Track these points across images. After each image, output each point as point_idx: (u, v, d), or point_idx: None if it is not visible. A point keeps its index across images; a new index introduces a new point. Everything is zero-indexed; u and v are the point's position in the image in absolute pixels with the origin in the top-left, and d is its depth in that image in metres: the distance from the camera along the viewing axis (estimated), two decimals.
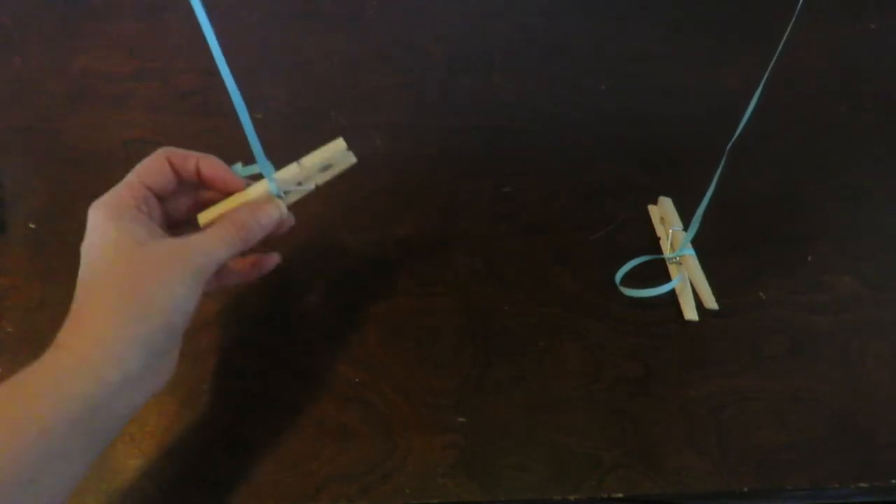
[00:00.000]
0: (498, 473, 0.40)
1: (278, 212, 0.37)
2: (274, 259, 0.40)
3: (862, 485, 0.40)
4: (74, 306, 0.32)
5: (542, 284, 0.47)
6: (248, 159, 0.55)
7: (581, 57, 0.62)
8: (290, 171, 0.38)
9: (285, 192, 0.38)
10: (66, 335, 0.31)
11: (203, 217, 0.37)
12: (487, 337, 0.45)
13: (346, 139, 0.37)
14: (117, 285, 0.31)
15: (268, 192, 0.37)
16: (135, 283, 0.31)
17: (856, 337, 0.46)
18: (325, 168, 0.39)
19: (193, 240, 0.33)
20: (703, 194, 0.43)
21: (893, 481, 0.40)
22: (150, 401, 0.33)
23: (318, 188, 0.39)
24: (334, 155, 0.38)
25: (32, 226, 0.49)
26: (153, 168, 0.35)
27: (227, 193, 0.37)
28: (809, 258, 0.49)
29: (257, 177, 0.38)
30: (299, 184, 0.38)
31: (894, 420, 0.42)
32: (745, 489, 0.40)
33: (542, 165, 0.54)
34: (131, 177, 0.35)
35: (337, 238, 0.45)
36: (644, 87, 0.60)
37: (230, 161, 0.38)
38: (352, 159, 0.39)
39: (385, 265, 0.48)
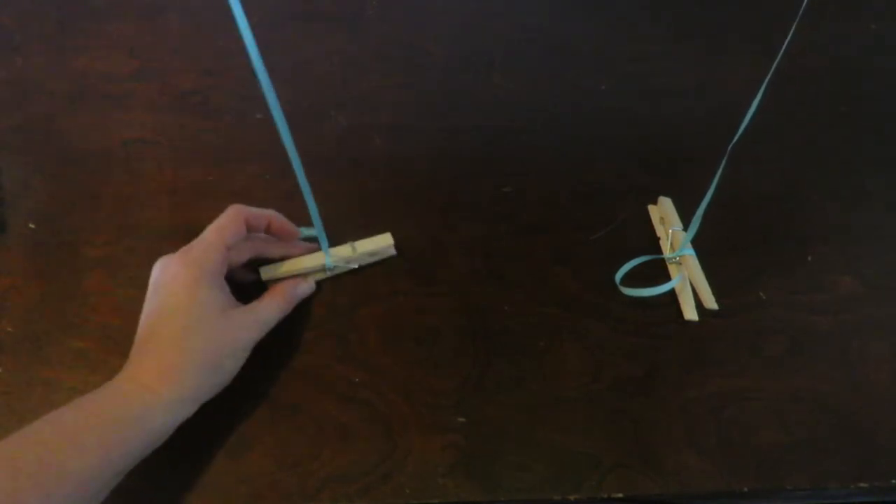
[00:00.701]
0: (498, 473, 0.40)
1: (310, 287, 0.45)
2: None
3: (862, 485, 0.40)
4: (152, 346, 0.37)
5: (542, 284, 0.47)
6: (251, 160, 0.55)
7: (581, 57, 0.62)
8: (344, 250, 0.46)
9: (333, 266, 0.45)
10: (151, 378, 0.36)
11: (265, 273, 0.44)
12: (487, 337, 0.45)
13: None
14: (202, 349, 0.37)
15: (322, 263, 0.45)
16: (216, 349, 0.38)
17: (856, 337, 0.46)
18: (370, 254, 0.46)
19: (256, 310, 0.41)
20: (703, 194, 0.43)
21: (893, 481, 0.40)
22: None
23: (359, 267, 0.47)
24: (382, 247, 0.46)
25: (32, 226, 0.49)
26: (235, 230, 0.41)
27: (288, 242, 0.45)
28: (809, 258, 0.49)
29: (314, 238, 0.45)
30: (346, 262, 0.46)
31: (894, 420, 0.42)
32: (745, 489, 0.40)
33: (542, 165, 0.54)
34: (218, 240, 0.40)
35: (338, 238, 0.45)
36: (644, 87, 0.60)
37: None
38: (392, 252, 0.47)
39: (385, 265, 0.48)
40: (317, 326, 0.45)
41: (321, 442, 0.40)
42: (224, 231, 0.41)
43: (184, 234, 0.42)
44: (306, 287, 0.45)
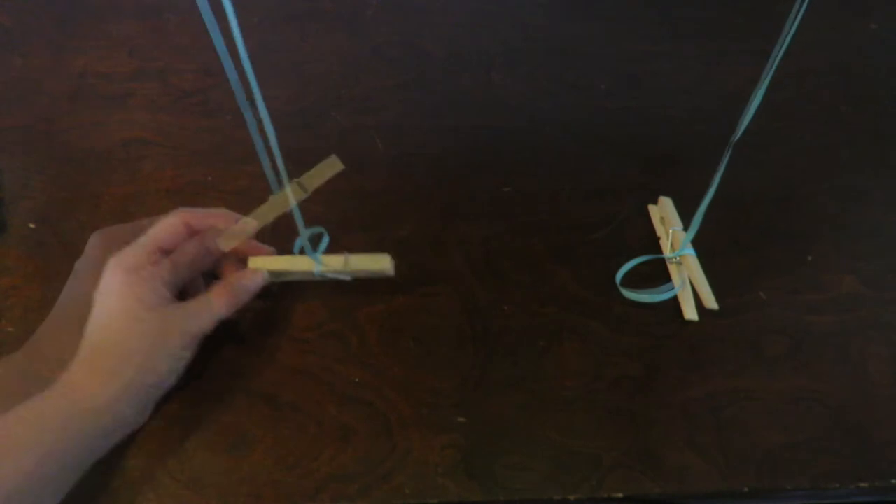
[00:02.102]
0: (498, 473, 0.40)
1: (262, 279, 0.43)
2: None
3: (862, 485, 0.40)
4: (88, 352, 0.37)
5: (542, 284, 0.47)
6: (251, 160, 0.55)
7: (581, 57, 0.62)
8: (336, 260, 0.43)
9: (323, 273, 0.43)
10: (84, 380, 0.36)
11: (252, 262, 0.43)
12: (487, 337, 0.45)
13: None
14: (136, 349, 0.37)
15: (311, 268, 0.43)
16: (151, 349, 0.37)
17: (856, 337, 0.46)
18: (364, 272, 0.44)
19: (194, 306, 0.39)
20: (703, 194, 0.43)
21: (893, 481, 0.40)
22: None
23: (353, 278, 0.44)
24: (376, 269, 0.43)
25: (32, 226, 0.49)
26: (170, 231, 0.40)
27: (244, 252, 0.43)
28: (809, 258, 0.49)
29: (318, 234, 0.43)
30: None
31: (894, 420, 0.42)
32: (745, 489, 0.40)
33: (542, 165, 0.54)
34: (147, 240, 0.39)
35: (337, 238, 0.45)
36: (644, 87, 0.60)
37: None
38: (391, 273, 0.43)
39: None
40: (317, 326, 0.45)
41: (321, 442, 0.40)
42: (158, 232, 0.40)
43: None
44: (258, 279, 0.42)
